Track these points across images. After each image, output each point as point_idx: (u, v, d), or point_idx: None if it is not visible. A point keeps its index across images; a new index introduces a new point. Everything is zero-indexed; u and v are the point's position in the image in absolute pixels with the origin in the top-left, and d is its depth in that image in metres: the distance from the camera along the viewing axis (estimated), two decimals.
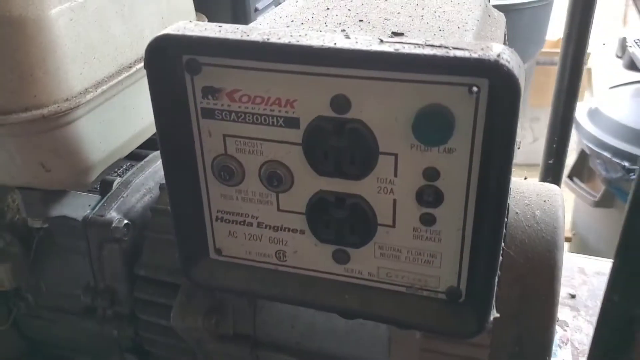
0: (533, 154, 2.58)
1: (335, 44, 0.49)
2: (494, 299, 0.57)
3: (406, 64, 0.48)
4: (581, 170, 2.38)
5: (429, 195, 0.54)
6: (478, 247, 0.56)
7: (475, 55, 0.47)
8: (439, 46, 0.48)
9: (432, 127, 0.50)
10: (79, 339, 0.96)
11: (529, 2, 2.46)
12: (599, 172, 2.27)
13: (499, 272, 0.56)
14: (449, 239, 0.57)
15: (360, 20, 0.64)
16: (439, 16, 0.66)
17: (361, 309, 0.62)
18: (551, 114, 1.45)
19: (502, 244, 0.55)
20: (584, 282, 1.45)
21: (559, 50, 1.43)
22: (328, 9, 0.67)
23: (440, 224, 0.56)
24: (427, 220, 0.56)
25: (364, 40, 0.49)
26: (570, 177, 2.38)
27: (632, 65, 2.61)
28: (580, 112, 2.26)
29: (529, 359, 0.65)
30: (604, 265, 1.50)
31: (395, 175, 0.55)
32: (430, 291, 0.60)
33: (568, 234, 2.49)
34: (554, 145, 1.45)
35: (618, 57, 2.81)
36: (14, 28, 0.58)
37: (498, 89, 0.48)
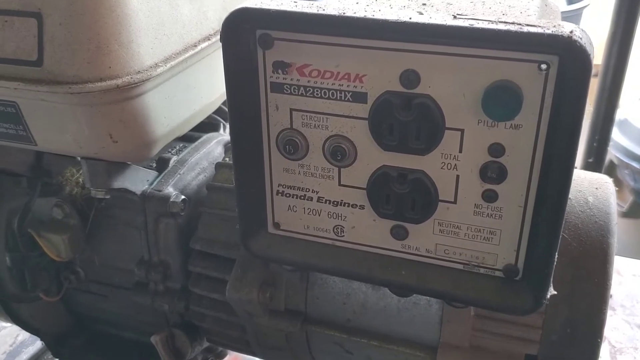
0: None
1: (410, 18, 0.51)
2: (552, 276, 0.58)
3: (480, 40, 0.50)
4: None
5: (493, 172, 0.56)
6: (538, 225, 0.57)
7: (548, 32, 0.48)
8: (512, 22, 0.49)
9: (501, 101, 0.52)
10: (127, 314, 0.98)
11: None
12: (627, 183, 2.27)
13: None
14: (510, 216, 0.58)
15: (424, 4, 0.65)
16: (499, 3, 0.67)
17: (417, 284, 0.63)
18: (593, 113, 1.45)
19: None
20: (620, 282, 1.45)
21: None
22: None
23: (502, 201, 0.57)
24: (489, 196, 0.57)
25: (438, 16, 0.51)
26: None
27: None
28: None
29: (581, 341, 0.66)
30: None
31: (460, 150, 0.56)
32: (487, 268, 0.61)
33: None
34: (595, 144, 1.45)
35: None
36: (95, 0, 0.60)
37: (569, 66, 0.49)
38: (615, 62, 1.37)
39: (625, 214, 2.37)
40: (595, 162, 1.49)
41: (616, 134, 2.25)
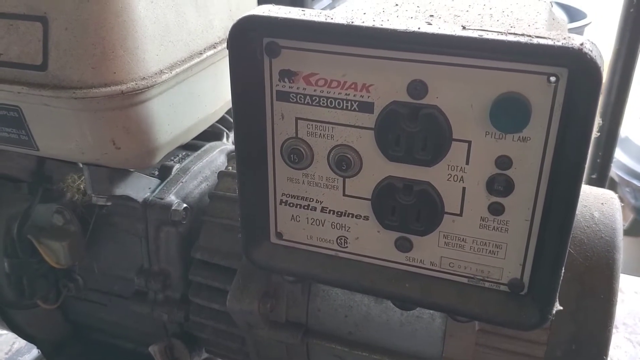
0: None
1: (419, 28, 0.50)
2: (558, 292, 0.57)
3: (489, 50, 0.49)
4: None
5: (500, 184, 0.55)
6: (544, 239, 0.56)
7: (558, 44, 0.47)
8: (522, 34, 0.49)
9: (509, 113, 0.51)
10: (125, 323, 0.97)
11: None
12: (628, 201, 2.26)
13: None
14: (516, 229, 0.57)
15: (431, 16, 0.65)
16: (507, 15, 0.67)
17: (421, 297, 0.62)
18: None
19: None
20: (622, 300, 1.44)
21: None
22: (397, 5, 0.69)
23: (509, 214, 0.57)
24: (496, 209, 0.57)
25: (446, 27, 0.50)
26: None
27: None
28: None
29: (586, 357, 0.65)
30: None
31: (467, 162, 0.55)
32: (492, 282, 0.60)
33: None
34: (598, 160, 1.45)
35: None
36: (101, 5, 0.60)
37: (579, 79, 0.48)
38: (619, 78, 1.37)
39: (626, 232, 2.35)
40: (599, 178, 1.49)
41: (617, 152, 2.25)
